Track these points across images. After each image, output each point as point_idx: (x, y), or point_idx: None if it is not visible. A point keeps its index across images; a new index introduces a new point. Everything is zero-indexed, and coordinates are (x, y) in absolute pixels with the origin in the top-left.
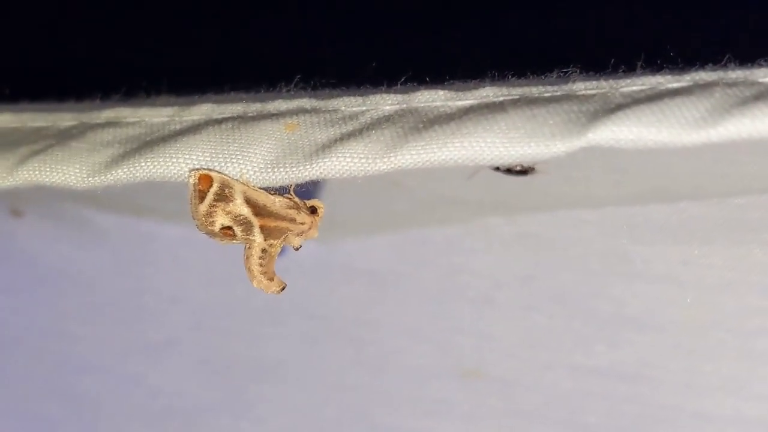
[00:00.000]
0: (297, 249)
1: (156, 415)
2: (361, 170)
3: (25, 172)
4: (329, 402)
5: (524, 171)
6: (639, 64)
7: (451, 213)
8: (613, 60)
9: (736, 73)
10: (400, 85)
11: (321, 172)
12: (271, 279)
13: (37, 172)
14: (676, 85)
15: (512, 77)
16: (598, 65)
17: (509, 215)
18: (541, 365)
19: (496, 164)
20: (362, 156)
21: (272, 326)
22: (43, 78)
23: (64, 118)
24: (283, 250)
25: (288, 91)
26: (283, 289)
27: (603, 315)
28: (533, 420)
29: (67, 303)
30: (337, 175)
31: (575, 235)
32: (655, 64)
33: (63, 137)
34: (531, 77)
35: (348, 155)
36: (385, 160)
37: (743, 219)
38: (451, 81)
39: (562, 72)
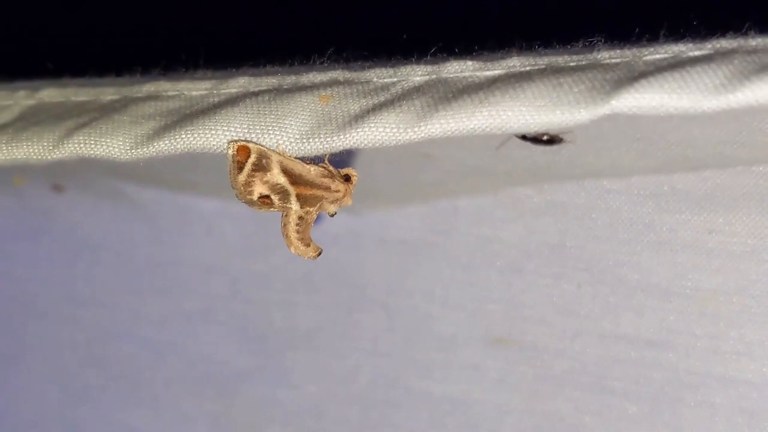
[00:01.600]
0: (332, 215)
1: (193, 383)
2: (393, 139)
3: (71, 145)
4: (363, 368)
5: (551, 140)
6: (662, 32)
7: (480, 183)
8: (637, 29)
9: (756, 41)
10: (430, 56)
11: (354, 142)
12: (308, 245)
13: (82, 145)
14: (697, 53)
15: (539, 47)
16: (622, 34)
17: (537, 185)
18: (570, 332)
19: (524, 133)
20: (394, 126)
21: (306, 295)
22: (84, 53)
23: (106, 92)
24: (318, 217)
25: (321, 63)
26: (320, 254)
27: (630, 283)
28: (562, 385)
29: (105, 274)
30: (370, 145)
31: (602, 205)
32: (678, 33)
33: (106, 110)
34: (557, 47)
35: (380, 125)
36: (416, 129)
37: (766, 186)
38: (480, 51)
39: (587, 42)
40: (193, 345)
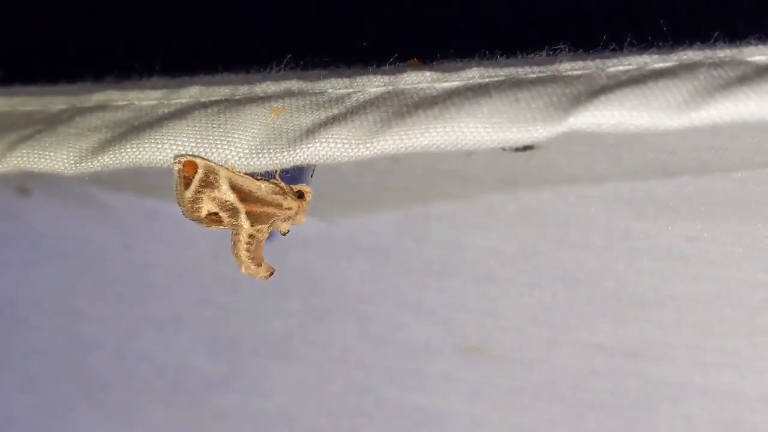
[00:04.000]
0: (285, 234)
1: (162, 392)
2: (345, 156)
3: (13, 159)
4: (334, 377)
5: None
6: (627, 41)
7: (453, 189)
8: (605, 36)
9: (723, 52)
10: (390, 64)
11: (305, 158)
12: (259, 264)
13: (25, 159)
14: (662, 65)
15: (501, 56)
16: (590, 42)
17: (511, 191)
18: (545, 342)
19: (481, 148)
20: (346, 141)
21: (277, 302)
22: (37, 60)
23: (55, 101)
24: (271, 234)
25: (279, 70)
26: (272, 274)
27: (607, 291)
28: (537, 397)
29: (73, 280)
30: (321, 161)
31: (578, 212)
32: (646, 40)
33: (52, 122)
34: (520, 55)
35: (331, 140)
36: (368, 145)
37: (745, 193)
38: (441, 59)
39: (551, 50)
40: (163, 352)
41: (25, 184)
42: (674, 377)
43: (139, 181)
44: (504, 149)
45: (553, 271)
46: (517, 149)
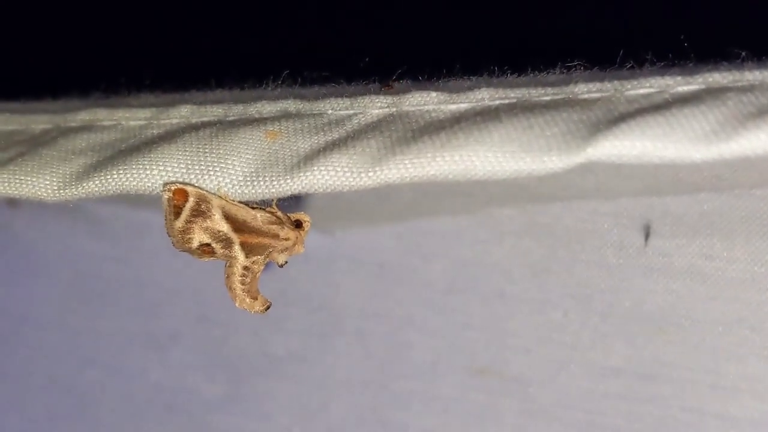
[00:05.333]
0: (281, 266)
1: (158, 412)
2: (345, 185)
3: None
4: (337, 399)
5: None
6: (647, 59)
7: (460, 204)
8: (622, 51)
9: (752, 74)
10: (393, 80)
11: (303, 187)
12: (255, 298)
13: (6, 185)
14: (686, 88)
15: (511, 75)
16: (606, 58)
17: (520, 206)
18: (557, 363)
19: (492, 179)
20: (347, 169)
21: (277, 320)
22: (19, 73)
23: (38, 120)
24: (267, 265)
25: (275, 87)
26: (268, 308)
27: (621, 311)
28: (548, 420)
29: (65, 294)
30: (320, 190)
31: (590, 228)
32: (665, 58)
33: (34, 144)
34: (532, 74)
35: (331, 169)
36: (371, 174)
37: (766, 211)
38: (448, 76)
39: (565, 68)
40: (159, 371)
41: None
42: (691, 402)
43: (131, 195)
44: None
45: (564, 289)
46: None
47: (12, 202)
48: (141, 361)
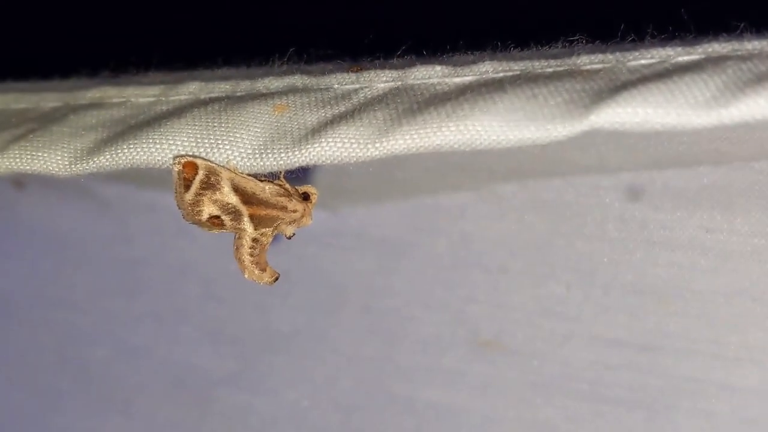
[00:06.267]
0: (289, 238)
1: (166, 389)
2: (353, 156)
3: (5, 160)
4: (343, 374)
5: None
6: (648, 32)
7: (463, 180)
8: (623, 24)
9: (751, 44)
10: (397, 58)
11: (311, 158)
12: (264, 269)
13: (17, 160)
14: (686, 58)
15: (514, 48)
16: (606, 33)
17: (522, 182)
18: (559, 336)
19: (497, 148)
20: (353, 141)
21: (283, 296)
22: (28, 54)
23: (48, 98)
24: (275, 237)
25: (281, 64)
26: (277, 279)
27: (623, 284)
28: (552, 392)
29: (72, 274)
30: (328, 162)
31: (591, 202)
32: (666, 31)
33: (45, 120)
34: (534, 47)
35: (339, 140)
36: (378, 145)
37: (766, 183)
38: (451, 52)
39: (567, 41)
40: (166, 349)
41: (18, 176)
42: (694, 372)
43: (139, 172)
44: None
45: (566, 263)
46: None
47: (18, 184)
48: (148, 339)
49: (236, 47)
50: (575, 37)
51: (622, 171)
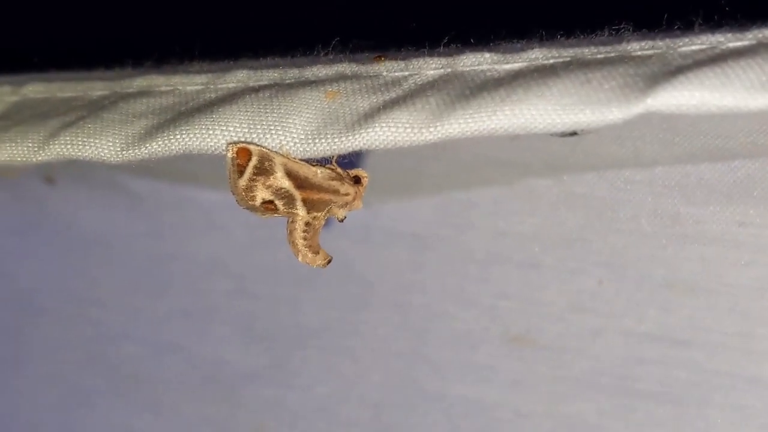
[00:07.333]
0: (341, 221)
1: (196, 385)
2: (407, 140)
3: (57, 147)
4: (374, 369)
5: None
6: (697, 20)
7: (495, 174)
8: (666, 15)
9: None
10: (443, 46)
11: (365, 143)
12: (317, 252)
13: (69, 146)
14: (738, 44)
15: (561, 36)
16: (650, 22)
17: (555, 176)
18: (590, 331)
19: (551, 131)
20: (407, 125)
21: (315, 291)
22: (72, 45)
23: (94, 87)
24: (327, 222)
25: (326, 55)
26: (329, 262)
27: (654, 278)
28: (582, 387)
29: (102, 270)
30: (382, 146)
31: (624, 197)
32: (712, 20)
33: (94, 108)
34: (581, 36)
35: (392, 125)
36: (432, 129)
37: None
38: (497, 42)
39: (613, 30)
40: (196, 344)
41: (49, 172)
42: (725, 366)
43: (176, 167)
44: (551, 134)
45: (598, 258)
46: (564, 134)
47: (49, 179)
48: (178, 335)
49: (274, 41)
50: (621, 26)
51: (656, 165)
